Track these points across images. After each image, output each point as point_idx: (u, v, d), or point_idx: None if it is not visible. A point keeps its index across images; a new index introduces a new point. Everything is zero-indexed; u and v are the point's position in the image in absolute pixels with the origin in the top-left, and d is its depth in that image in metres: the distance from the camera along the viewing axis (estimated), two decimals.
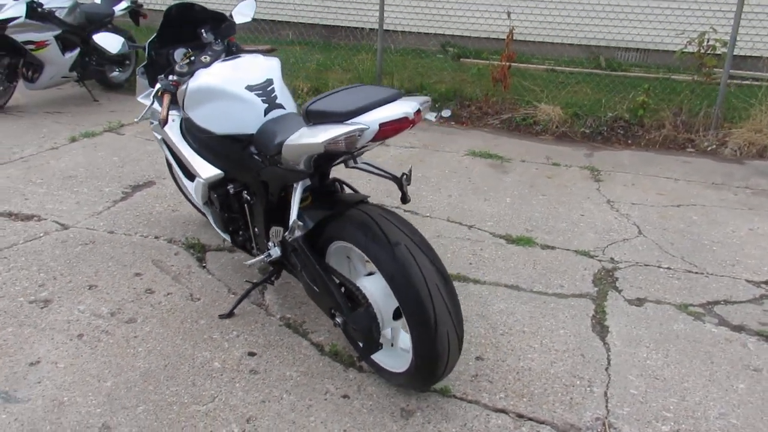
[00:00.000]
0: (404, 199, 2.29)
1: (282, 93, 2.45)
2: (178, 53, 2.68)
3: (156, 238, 3.26)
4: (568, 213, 3.90)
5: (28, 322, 2.48)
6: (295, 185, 2.12)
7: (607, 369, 2.41)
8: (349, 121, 1.81)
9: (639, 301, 2.91)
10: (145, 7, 6.93)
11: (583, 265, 3.24)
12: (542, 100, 6.00)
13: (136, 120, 2.79)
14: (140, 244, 3.19)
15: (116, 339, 2.41)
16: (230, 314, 2.59)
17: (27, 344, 2.34)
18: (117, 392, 2.12)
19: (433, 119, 6.12)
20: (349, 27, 7.95)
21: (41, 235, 3.22)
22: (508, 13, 6.19)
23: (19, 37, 5.19)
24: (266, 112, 2.35)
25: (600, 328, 2.69)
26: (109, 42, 2.66)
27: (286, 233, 2.05)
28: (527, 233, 3.58)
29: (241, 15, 3.00)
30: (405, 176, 2.25)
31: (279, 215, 2.35)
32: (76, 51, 5.77)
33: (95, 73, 6.28)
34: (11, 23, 5.09)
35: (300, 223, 2.04)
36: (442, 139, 5.41)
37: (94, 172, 4.13)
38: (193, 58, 2.62)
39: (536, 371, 2.37)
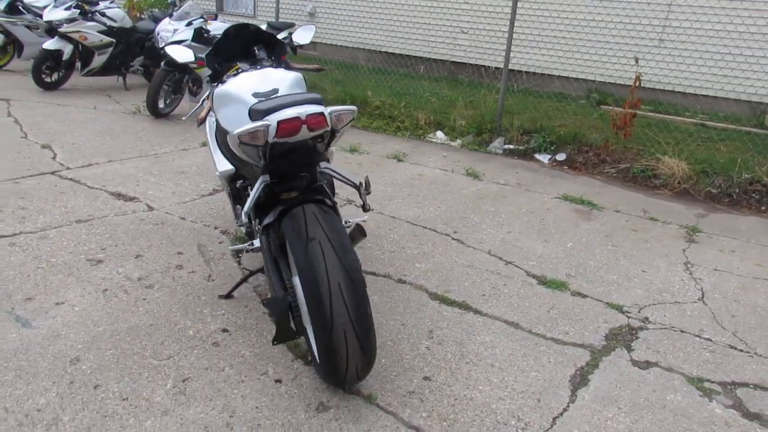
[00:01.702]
0: (364, 208, 2.39)
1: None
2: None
3: (213, 228, 3.71)
4: (629, 267, 3.61)
5: (75, 273, 3.02)
6: (259, 180, 2.35)
7: (555, 419, 2.26)
8: (263, 119, 2.01)
9: (645, 364, 2.64)
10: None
11: (607, 318, 3.01)
12: (667, 153, 5.56)
13: (183, 118, 3.26)
14: (197, 230, 3.66)
15: (129, 298, 2.84)
16: (228, 296, 2.88)
17: (63, 289, 2.87)
18: (101, 336, 2.52)
19: (546, 161, 5.98)
20: (475, 65, 8.08)
21: (129, 212, 3.85)
22: (636, 59, 5.86)
23: None
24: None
25: (579, 380, 2.50)
26: (180, 53, 3.17)
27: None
28: (566, 278, 3.40)
29: (301, 38, 3.36)
30: (362, 184, 2.36)
31: (266, 209, 2.58)
32: None
33: None
34: (181, 44, 6.09)
35: (242, 215, 2.23)
36: (542, 181, 5.28)
37: (202, 171, 4.78)
38: (240, 70, 3.01)
39: (476, 402, 2.31)
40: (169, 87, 6.36)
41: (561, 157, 6.03)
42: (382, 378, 2.40)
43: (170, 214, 3.88)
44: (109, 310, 2.72)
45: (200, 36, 6.23)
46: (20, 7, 8.07)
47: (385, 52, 9.20)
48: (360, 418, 2.16)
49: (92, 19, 7.18)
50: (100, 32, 7.22)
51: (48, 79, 7.25)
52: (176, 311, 2.76)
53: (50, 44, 7.01)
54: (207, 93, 2.95)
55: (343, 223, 2.72)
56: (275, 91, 2.71)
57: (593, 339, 2.81)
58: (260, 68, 2.88)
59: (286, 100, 2.07)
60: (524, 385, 2.43)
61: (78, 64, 7.39)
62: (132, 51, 7.67)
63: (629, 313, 3.08)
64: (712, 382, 2.55)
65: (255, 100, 2.65)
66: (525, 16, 7.88)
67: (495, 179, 5.21)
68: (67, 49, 7.09)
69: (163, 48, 6.10)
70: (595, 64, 7.65)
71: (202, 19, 6.26)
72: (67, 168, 4.59)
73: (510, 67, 6.28)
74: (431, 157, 5.78)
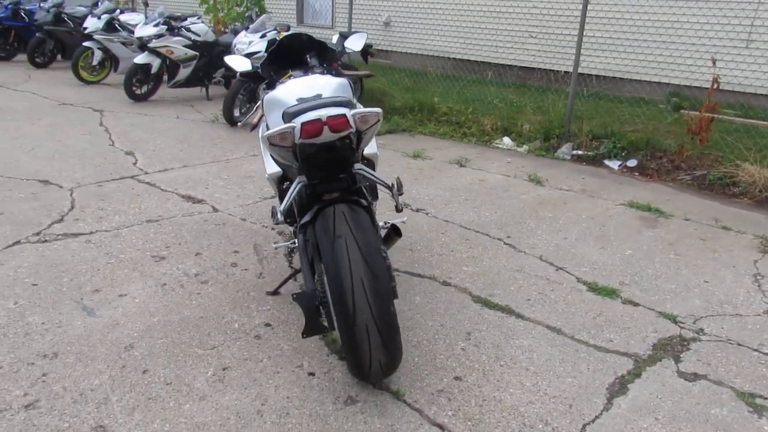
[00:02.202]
0: (397, 208, 2.45)
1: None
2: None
3: (270, 228, 3.89)
4: (690, 276, 3.45)
5: (140, 268, 3.26)
6: (296, 181, 2.45)
7: (585, 426, 2.21)
8: (291, 122, 2.11)
9: (692, 377, 2.53)
10: (374, 47, 7.93)
11: (657, 327, 2.90)
12: (748, 159, 5.24)
13: (239, 124, 3.44)
14: (255, 231, 3.84)
15: (184, 292, 3.04)
16: (275, 292, 3.02)
17: (127, 282, 3.11)
18: (155, 326, 2.71)
19: (615, 167, 5.79)
20: (544, 69, 7.91)
21: (195, 213, 4.10)
22: (713, 60, 5.55)
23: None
24: None
25: (618, 388, 2.43)
26: (238, 63, 3.36)
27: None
28: (619, 286, 3.30)
29: (353, 44, 3.47)
30: (394, 186, 2.42)
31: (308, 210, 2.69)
32: None
33: None
34: (254, 56, 6.40)
35: (278, 214, 2.33)
36: (608, 187, 5.12)
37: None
38: (291, 77, 3.15)
39: (504, 405, 2.30)
40: (244, 96, 6.68)
41: (632, 163, 5.81)
42: (413, 376, 2.44)
43: (232, 215, 4.10)
44: (165, 302, 2.92)
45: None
46: (117, 25, 8.74)
47: (456, 59, 9.22)
48: (385, 413, 2.21)
49: (178, 35, 7.67)
50: (185, 46, 7.69)
51: (138, 91, 7.81)
52: (225, 305, 2.92)
53: (140, 59, 7.55)
54: (260, 100, 3.11)
55: (380, 223, 2.79)
56: (319, 96, 2.82)
57: (639, 348, 2.72)
58: (309, 74, 3.01)
59: (313, 104, 2.16)
60: (557, 390, 2.39)
61: (165, 77, 7.91)
62: (214, 63, 8.11)
63: (683, 323, 2.95)
64: (765, 398, 2.40)
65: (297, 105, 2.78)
66: (596, 18, 7.66)
67: (558, 185, 5.11)
68: (155, 63, 7.60)
69: None
70: (678, 67, 7.30)
71: (275, 31, 6.55)
72: (146, 173, 4.94)
73: (580, 71, 6.13)
74: (495, 163, 5.74)
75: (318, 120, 1.99)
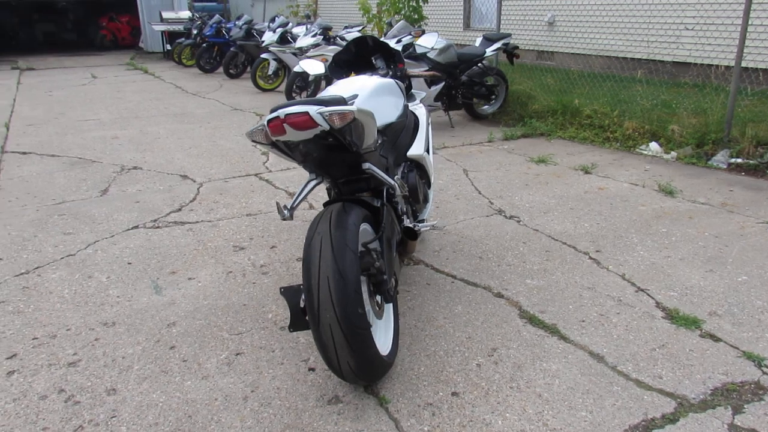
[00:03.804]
0: (413, 211, 2.38)
1: (362, 106, 2.78)
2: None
3: None
4: None
5: (217, 256, 3.58)
6: (306, 180, 2.51)
7: None
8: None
9: None
10: (520, 48, 7.65)
11: (730, 369, 2.42)
12: None
13: None
14: None
15: (243, 280, 3.26)
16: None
17: (201, 267, 3.43)
18: (201, 309, 2.96)
19: None
20: (701, 64, 6.84)
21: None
22: None
23: None
24: None
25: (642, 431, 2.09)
26: (311, 66, 3.52)
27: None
28: (706, 316, 2.82)
29: (425, 42, 3.42)
30: (396, 187, 2.35)
31: None
32: (441, 85, 6.92)
33: (462, 105, 7.34)
34: None
35: (284, 211, 2.38)
36: (760, 202, 4.38)
37: None
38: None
39: (491, 429, 2.11)
40: None
41: None
42: (409, 384, 2.35)
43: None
44: (222, 288, 3.17)
45: (410, 52, 6.63)
46: (289, 38, 9.57)
47: (612, 57, 8.46)
48: (360, 418, 2.17)
49: (333, 43, 8.17)
50: None
51: (297, 97, 8.46)
52: (270, 296, 3.08)
53: (299, 67, 8.18)
54: None
55: (411, 225, 2.72)
56: (355, 96, 2.84)
57: (692, 390, 2.29)
58: (367, 75, 3.04)
59: (301, 101, 2.16)
60: (561, 423, 2.13)
61: (323, 83, 8.46)
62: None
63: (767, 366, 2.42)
64: None
65: None
66: (764, 3, 6.48)
67: (693, 197, 4.46)
68: None
69: None
70: None
71: (410, 36, 6.65)
72: (269, 171, 5.37)
73: (743, 64, 5.27)
74: (628, 170, 5.20)
75: (277, 118, 2.02)
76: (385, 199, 2.50)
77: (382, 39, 7.01)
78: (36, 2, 19.68)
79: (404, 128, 2.99)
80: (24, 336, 2.75)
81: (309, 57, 7.93)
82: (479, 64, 7.24)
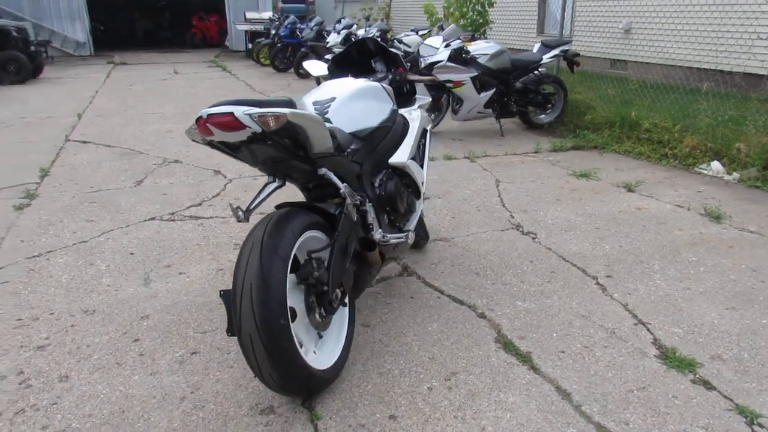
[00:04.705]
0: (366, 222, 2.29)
1: (337, 110, 2.68)
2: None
3: None
4: None
5: (215, 252, 3.60)
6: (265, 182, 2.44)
7: None
8: None
9: None
10: (581, 54, 7.26)
11: (712, 423, 2.15)
12: None
13: None
14: None
15: (230, 278, 3.26)
16: None
17: (195, 263, 3.45)
18: (179, 304, 2.98)
19: None
20: None
21: None
22: None
23: (442, 77, 6.49)
24: None
25: None
26: (315, 67, 3.46)
27: None
28: (707, 360, 2.52)
29: (426, 52, 3.28)
30: (346, 195, 2.26)
31: None
32: (492, 91, 6.69)
33: (515, 113, 7.06)
34: (437, 65, 6.45)
35: (240, 213, 2.32)
36: None
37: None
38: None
39: None
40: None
41: None
42: (349, 402, 2.24)
43: None
44: (205, 285, 3.18)
45: (458, 56, 6.46)
46: (352, 39, 9.61)
47: (680, 67, 7.85)
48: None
49: (391, 46, 8.10)
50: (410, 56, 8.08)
51: None
52: None
53: None
54: None
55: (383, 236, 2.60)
56: (332, 99, 2.77)
57: None
58: (355, 79, 2.95)
59: (231, 101, 2.07)
60: None
61: None
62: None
63: (761, 424, 2.11)
64: None
65: (312, 107, 2.76)
66: None
67: (742, 225, 4.04)
68: None
69: (425, 68, 6.53)
70: None
71: (459, 41, 6.48)
72: None
73: None
74: (677, 190, 4.79)
75: (200, 117, 1.96)
76: (345, 207, 2.40)
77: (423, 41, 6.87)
78: (138, 1, 20.97)
79: (388, 134, 2.87)
80: (11, 316, 2.87)
81: None
82: (535, 71, 6.94)
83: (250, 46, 15.39)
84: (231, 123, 1.91)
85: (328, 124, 2.53)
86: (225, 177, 5.16)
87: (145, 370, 2.45)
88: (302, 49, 11.80)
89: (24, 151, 6.02)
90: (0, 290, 3.12)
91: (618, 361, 2.50)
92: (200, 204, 4.47)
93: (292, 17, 12.79)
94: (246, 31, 15.72)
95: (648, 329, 2.74)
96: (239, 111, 1.90)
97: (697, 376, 2.40)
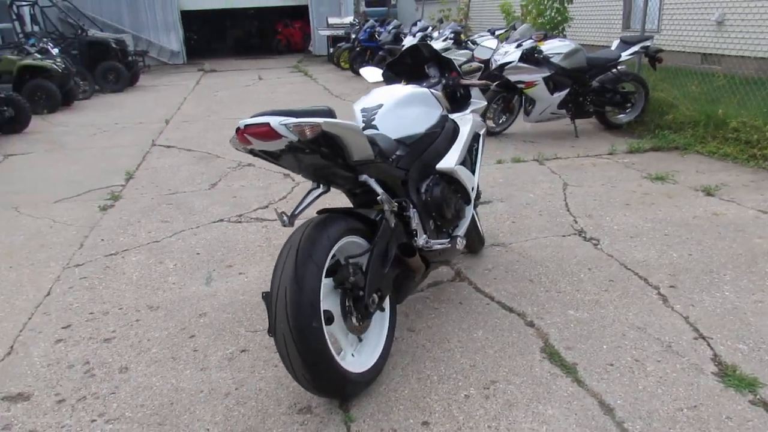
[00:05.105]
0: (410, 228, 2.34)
1: (384, 117, 2.71)
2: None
3: None
4: None
5: (274, 255, 3.70)
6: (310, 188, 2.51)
7: None
8: None
9: None
10: (668, 50, 6.90)
11: None
12: None
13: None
14: None
15: None
16: None
17: (256, 263, 3.59)
18: (235, 303, 3.11)
19: None
20: None
21: None
22: None
23: (513, 78, 6.37)
24: (363, 129, 2.71)
25: None
26: (370, 74, 3.51)
27: None
28: None
29: (482, 54, 3.25)
30: (383, 201, 2.29)
31: None
32: (565, 91, 6.49)
33: (591, 113, 6.82)
34: (508, 66, 6.34)
35: (284, 218, 2.39)
36: None
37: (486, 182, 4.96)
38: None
39: None
40: (498, 107, 6.66)
41: None
42: (384, 406, 2.27)
43: None
44: (261, 285, 3.30)
45: (530, 56, 6.32)
46: (428, 41, 9.61)
47: None
48: None
49: (464, 47, 8.05)
50: (469, 60, 8.01)
51: None
52: None
53: None
54: None
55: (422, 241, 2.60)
56: (380, 105, 2.80)
57: None
58: (404, 85, 2.98)
59: (269, 112, 2.12)
60: None
61: None
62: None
63: None
64: None
65: (359, 114, 2.81)
66: None
67: None
68: None
69: (496, 69, 6.44)
70: None
71: (531, 41, 6.33)
72: None
73: None
74: (762, 195, 4.47)
75: (238, 128, 2.04)
76: (386, 213, 2.42)
77: (505, 43, 6.76)
78: (229, 11, 21.96)
79: (436, 140, 2.86)
80: (84, 310, 3.11)
81: None
82: (613, 70, 6.66)
83: (331, 50, 15.73)
84: (267, 133, 1.98)
85: (368, 131, 2.58)
86: (293, 180, 5.32)
87: (197, 365, 2.58)
88: (380, 53, 11.92)
89: (114, 156, 6.49)
90: (78, 285, 3.38)
91: (670, 377, 2.37)
92: (267, 206, 4.64)
93: (371, 21, 12.97)
94: (328, 36, 16.09)
95: (709, 344, 2.58)
96: (275, 121, 1.97)
97: (758, 396, 2.24)
